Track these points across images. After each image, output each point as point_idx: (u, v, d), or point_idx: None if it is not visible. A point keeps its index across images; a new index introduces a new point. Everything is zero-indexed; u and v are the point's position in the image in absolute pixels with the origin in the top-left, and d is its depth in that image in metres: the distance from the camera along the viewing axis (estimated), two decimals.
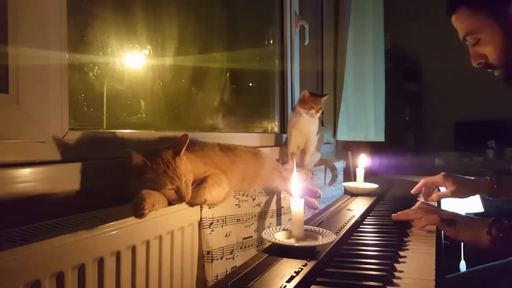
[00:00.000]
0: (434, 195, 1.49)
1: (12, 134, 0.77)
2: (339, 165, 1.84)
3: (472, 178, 1.45)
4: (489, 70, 1.14)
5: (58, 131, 0.86)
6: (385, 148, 2.78)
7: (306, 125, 1.52)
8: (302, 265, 0.79)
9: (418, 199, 1.65)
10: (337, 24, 2.28)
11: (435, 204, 1.42)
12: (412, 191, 1.54)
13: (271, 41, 2.04)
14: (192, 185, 0.85)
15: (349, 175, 2.19)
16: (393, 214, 1.22)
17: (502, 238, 1.00)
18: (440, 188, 1.54)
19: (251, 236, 1.03)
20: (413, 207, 1.24)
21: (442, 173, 1.45)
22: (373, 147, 2.55)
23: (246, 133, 1.71)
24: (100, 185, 0.88)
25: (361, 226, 1.20)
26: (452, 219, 1.09)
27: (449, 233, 1.09)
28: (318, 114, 1.49)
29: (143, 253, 0.75)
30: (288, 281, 0.72)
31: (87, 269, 0.64)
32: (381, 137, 2.50)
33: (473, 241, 1.05)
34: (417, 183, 1.53)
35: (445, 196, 1.45)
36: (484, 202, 2.64)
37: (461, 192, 1.42)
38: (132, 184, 0.80)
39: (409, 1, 4.27)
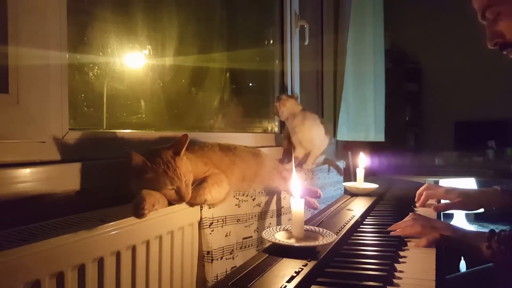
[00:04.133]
0: (440, 205, 1.40)
1: (12, 134, 0.77)
2: (340, 165, 1.84)
3: (478, 189, 1.40)
4: (504, 52, 1.09)
5: (58, 131, 0.86)
6: (385, 148, 2.78)
7: (294, 130, 1.56)
8: (302, 265, 0.79)
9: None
10: (337, 24, 2.28)
11: (431, 211, 1.38)
12: (418, 205, 1.47)
13: (271, 41, 2.04)
14: (192, 185, 0.85)
15: (349, 175, 2.19)
16: (388, 228, 1.15)
17: (503, 250, 0.97)
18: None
19: (251, 236, 1.03)
20: (407, 219, 1.16)
21: (444, 188, 1.40)
22: (373, 147, 2.55)
23: (246, 133, 1.71)
24: (100, 185, 0.88)
25: (361, 226, 1.20)
26: (451, 234, 1.06)
27: (451, 248, 1.07)
28: (279, 113, 1.56)
29: (143, 253, 0.75)
30: (288, 281, 0.72)
31: (87, 269, 0.64)
32: (381, 137, 2.50)
33: (474, 255, 1.03)
34: (417, 183, 1.51)
35: (453, 207, 1.37)
36: None
37: (468, 204, 1.35)
38: (132, 184, 0.80)
39: (409, 1, 4.27)
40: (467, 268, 2.30)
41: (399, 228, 1.12)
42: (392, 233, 1.11)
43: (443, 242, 1.05)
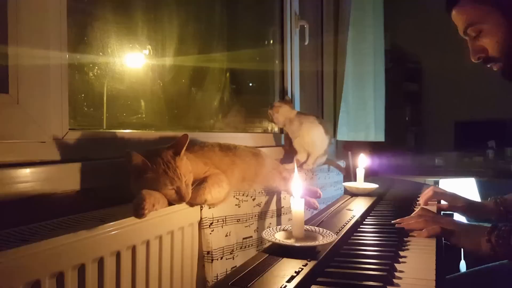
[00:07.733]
0: (443, 205, 1.48)
1: (12, 134, 0.77)
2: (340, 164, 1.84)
3: (481, 202, 1.45)
4: (488, 66, 1.12)
5: (58, 131, 0.86)
6: (385, 148, 2.77)
7: (293, 135, 1.57)
8: (303, 265, 0.79)
9: (418, 199, 1.65)
10: (337, 24, 2.28)
11: (434, 209, 1.40)
12: (422, 202, 1.51)
13: (271, 41, 2.04)
14: (192, 185, 0.85)
15: (349, 175, 2.18)
16: (393, 220, 1.21)
17: (502, 244, 0.99)
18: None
19: (251, 236, 1.03)
20: (413, 214, 1.22)
21: (453, 193, 1.46)
22: (373, 147, 2.55)
23: (246, 133, 1.71)
24: (100, 185, 0.88)
25: (361, 226, 1.20)
26: (453, 228, 1.10)
27: (451, 242, 1.09)
28: (273, 117, 1.58)
29: (143, 253, 0.75)
30: (289, 281, 0.72)
31: (87, 269, 0.64)
32: (381, 137, 2.50)
33: (474, 249, 1.05)
34: (417, 183, 1.52)
35: (455, 210, 1.44)
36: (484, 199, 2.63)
37: (471, 215, 1.42)
38: (132, 184, 0.80)
39: (409, 1, 4.27)
40: (467, 268, 2.30)
41: (404, 222, 1.18)
42: (397, 225, 1.17)
43: (443, 235, 1.09)
